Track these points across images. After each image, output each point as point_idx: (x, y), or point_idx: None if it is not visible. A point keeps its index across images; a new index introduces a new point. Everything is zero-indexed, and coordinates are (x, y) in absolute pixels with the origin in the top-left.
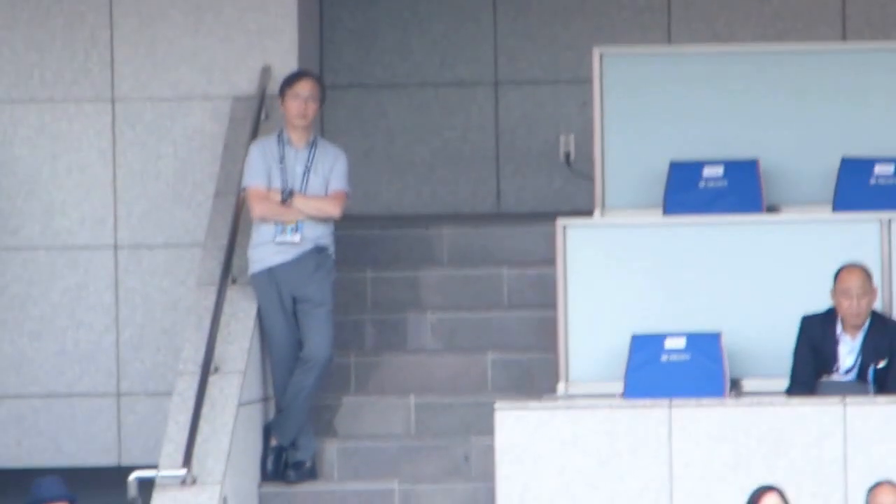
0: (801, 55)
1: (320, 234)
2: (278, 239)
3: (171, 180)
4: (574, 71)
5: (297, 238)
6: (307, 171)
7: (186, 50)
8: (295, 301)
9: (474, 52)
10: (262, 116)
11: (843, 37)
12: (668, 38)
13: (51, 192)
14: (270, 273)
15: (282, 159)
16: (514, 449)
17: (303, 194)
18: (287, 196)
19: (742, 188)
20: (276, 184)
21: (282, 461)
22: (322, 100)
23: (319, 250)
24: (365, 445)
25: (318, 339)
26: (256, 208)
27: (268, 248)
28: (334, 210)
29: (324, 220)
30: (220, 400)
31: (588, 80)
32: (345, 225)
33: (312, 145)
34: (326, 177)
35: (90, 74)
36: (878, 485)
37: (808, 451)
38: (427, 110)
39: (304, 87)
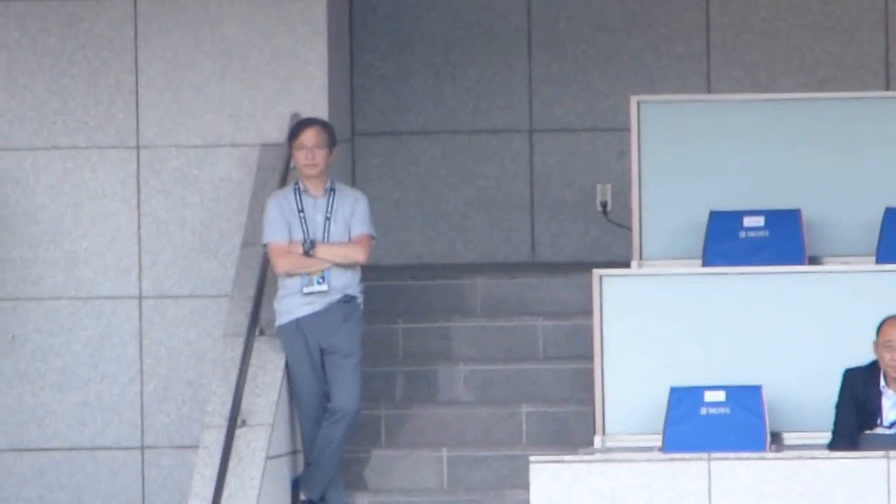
0: (844, 104)
1: (347, 283)
2: (305, 290)
3: (197, 229)
4: (611, 119)
5: (324, 287)
6: (327, 219)
7: (214, 96)
8: (323, 352)
9: (509, 99)
10: (292, 164)
11: (887, 86)
12: (708, 87)
13: (73, 242)
14: (297, 324)
15: (300, 210)
16: None
17: (325, 243)
18: (309, 247)
19: (784, 239)
20: (298, 235)
21: None
22: (332, 145)
23: (348, 300)
24: (396, 500)
25: (345, 391)
26: (279, 264)
27: (295, 300)
28: (358, 255)
29: (349, 266)
30: (247, 453)
31: (625, 129)
32: (375, 275)
33: (330, 192)
34: (347, 222)
35: (114, 121)
36: None
37: None
38: (460, 158)
39: (308, 138)
